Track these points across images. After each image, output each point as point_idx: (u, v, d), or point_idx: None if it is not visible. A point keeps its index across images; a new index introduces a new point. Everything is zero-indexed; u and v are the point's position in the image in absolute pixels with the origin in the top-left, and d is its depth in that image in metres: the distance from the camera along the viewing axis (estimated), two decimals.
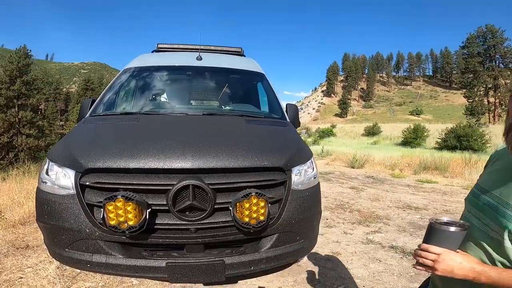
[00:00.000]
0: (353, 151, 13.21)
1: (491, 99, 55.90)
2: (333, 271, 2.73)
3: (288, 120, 2.90)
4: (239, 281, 2.39)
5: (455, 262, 0.84)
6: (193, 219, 1.71)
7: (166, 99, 3.36)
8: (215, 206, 1.71)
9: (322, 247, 3.28)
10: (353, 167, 10.53)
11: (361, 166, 10.57)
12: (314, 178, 2.11)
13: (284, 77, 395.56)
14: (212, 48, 4.05)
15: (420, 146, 26.86)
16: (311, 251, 3.04)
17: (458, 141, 23.18)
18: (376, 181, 7.98)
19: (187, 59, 3.48)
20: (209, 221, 1.73)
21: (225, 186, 1.75)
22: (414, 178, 8.52)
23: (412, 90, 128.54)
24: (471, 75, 58.14)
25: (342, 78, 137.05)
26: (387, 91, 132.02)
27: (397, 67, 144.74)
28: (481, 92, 56.80)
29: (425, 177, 8.52)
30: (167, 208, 1.69)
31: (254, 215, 1.67)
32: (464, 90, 60.41)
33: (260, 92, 3.53)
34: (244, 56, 4.15)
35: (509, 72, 56.37)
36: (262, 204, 1.66)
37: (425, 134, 29.34)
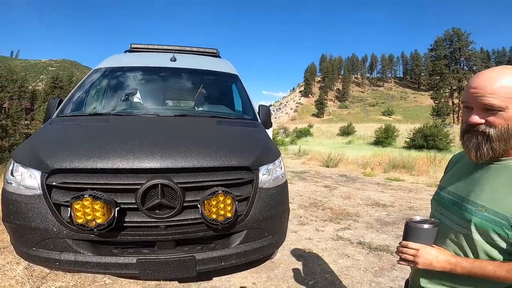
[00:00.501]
0: (329, 150, 13.59)
1: (456, 101, 59.11)
2: (305, 267, 2.84)
3: (259, 121, 2.97)
4: (213, 278, 2.46)
5: (432, 255, 0.92)
6: (163, 216, 1.77)
7: (138, 100, 3.32)
8: (184, 204, 1.79)
9: (295, 244, 3.40)
10: (327, 166, 10.86)
11: (335, 165, 10.91)
12: (282, 176, 2.22)
13: (263, 77, 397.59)
14: (187, 49, 4.03)
15: (390, 145, 28.08)
16: (284, 248, 3.20)
17: (425, 140, 24.50)
18: (348, 179, 8.30)
19: (161, 60, 3.45)
20: (179, 219, 1.80)
21: (193, 185, 1.82)
22: (384, 177, 8.95)
23: (384, 91, 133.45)
24: (438, 77, 60.98)
25: (319, 78, 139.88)
26: (361, 92, 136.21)
27: (371, 69, 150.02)
28: (447, 94, 59.90)
29: (393, 175, 8.97)
30: (136, 206, 1.74)
31: (222, 212, 1.76)
32: (431, 92, 63.37)
33: (233, 94, 3.56)
34: (220, 57, 4.14)
35: (472, 74, 59.68)
36: (229, 201, 1.76)
37: (395, 134, 30.70)
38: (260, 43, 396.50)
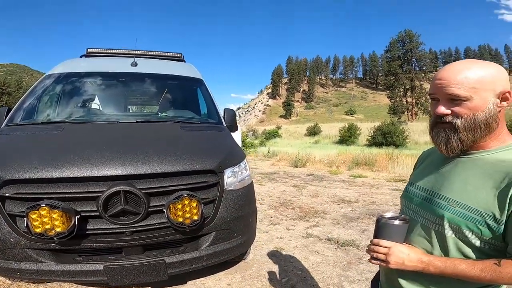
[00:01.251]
0: (297, 151, 13.94)
1: (409, 99, 63.05)
2: (278, 265, 2.93)
3: (224, 124, 3.01)
4: (188, 282, 2.48)
5: (404, 254, 0.88)
6: (127, 222, 1.79)
7: (98, 106, 3.21)
8: (149, 209, 1.82)
9: (267, 243, 3.50)
10: (296, 166, 11.15)
11: (303, 165, 11.24)
12: (247, 178, 2.30)
13: (232, 80, 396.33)
14: (150, 53, 3.91)
15: (354, 143, 29.47)
16: (257, 248, 3.29)
17: (384, 137, 26.03)
18: (316, 178, 8.61)
19: (120, 65, 3.35)
20: (145, 224, 1.83)
21: (158, 190, 1.85)
22: (348, 174, 9.40)
23: (347, 91, 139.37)
24: (393, 77, 64.38)
25: (286, 80, 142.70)
26: (325, 92, 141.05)
27: (334, 70, 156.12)
28: (401, 93, 63.72)
29: (357, 172, 9.45)
30: (98, 214, 1.75)
31: (188, 215, 1.81)
32: (388, 91, 67.04)
33: (198, 98, 3.55)
34: (184, 61, 4.09)
35: (423, 74, 63.71)
36: (194, 204, 1.81)
37: (358, 132, 32.24)
38: (228, 46, 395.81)
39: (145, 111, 4.65)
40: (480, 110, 0.84)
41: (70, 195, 1.75)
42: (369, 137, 28.25)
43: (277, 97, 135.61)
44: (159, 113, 3.38)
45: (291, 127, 59.97)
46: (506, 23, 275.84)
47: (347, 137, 31.40)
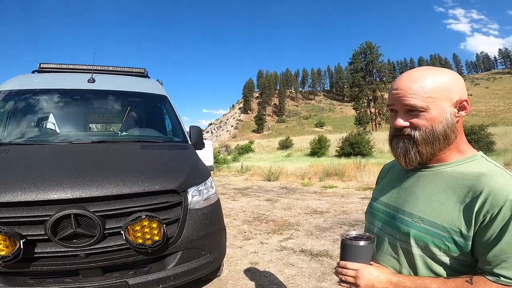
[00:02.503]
0: (269, 165, 14.09)
1: (372, 110, 66.32)
2: (253, 280, 2.94)
3: (190, 142, 2.99)
4: None
5: (373, 276, 0.84)
6: (81, 245, 1.76)
7: (52, 126, 3.06)
8: (106, 232, 1.80)
9: (241, 259, 3.50)
10: (269, 180, 11.26)
11: (276, 178, 11.38)
12: (213, 196, 2.32)
13: (203, 95, 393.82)
14: (110, 68, 3.76)
15: (324, 155, 30.35)
16: (231, 264, 3.28)
17: (352, 148, 27.13)
18: (288, 191, 8.74)
19: (76, 82, 3.21)
20: (102, 246, 1.81)
21: (114, 212, 1.84)
22: (320, 185, 9.66)
23: (315, 104, 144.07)
24: (357, 89, 67.41)
25: (257, 94, 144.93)
26: (296, 105, 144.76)
27: (303, 83, 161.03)
28: (365, 104, 66.89)
29: (328, 183, 9.75)
30: (47, 237, 1.72)
31: (148, 236, 1.80)
32: (353, 103, 70.13)
33: (161, 116, 3.46)
34: (149, 77, 3.99)
35: (383, 85, 66.93)
36: (155, 225, 1.80)
37: (327, 144, 33.29)
38: (198, 61, 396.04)
39: (110, 129, 4.50)
40: (438, 121, 0.81)
41: (14, 219, 1.71)
42: (338, 148, 29.29)
43: (249, 111, 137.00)
44: (118, 132, 3.30)
45: (264, 141, 60.54)
46: (454, 32, 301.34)
47: (318, 149, 32.30)
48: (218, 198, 2.44)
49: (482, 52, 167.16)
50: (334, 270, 0.93)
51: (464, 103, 0.83)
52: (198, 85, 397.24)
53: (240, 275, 3.07)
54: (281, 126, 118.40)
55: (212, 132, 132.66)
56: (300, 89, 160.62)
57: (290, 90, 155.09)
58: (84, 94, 3.13)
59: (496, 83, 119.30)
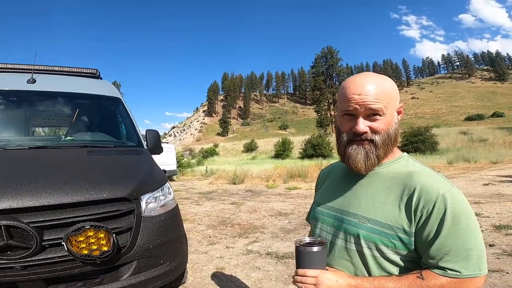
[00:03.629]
0: (234, 168, 14.09)
1: (333, 112, 69.37)
2: (220, 286, 2.91)
3: (146, 147, 2.91)
4: None
5: (332, 281, 0.84)
6: (16, 257, 1.68)
7: None
8: (44, 243, 1.72)
9: (207, 264, 3.45)
10: (234, 183, 11.25)
11: (241, 181, 11.40)
12: (171, 202, 2.28)
13: (166, 97, 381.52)
14: (56, 69, 3.49)
15: (288, 157, 31.11)
16: (196, 271, 3.23)
17: (314, 150, 28.18)
18: (254, 194, 8.81)
19: (13, 82, 2.99)
20: (41, 258, 1.73)
21: (53, 223, 1.75)
22: (284, 187, 9.87)
23: (279, 107, 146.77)
24: (318, 92, 70.31)
25: (222, 97, 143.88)
26: (260, 108, 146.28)
27: (268, 86, 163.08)
28: (326, 107, 69.85)
29: (292, 185, 9.99)
30: None
31: (95, 247, 1.73)
32: (315, 106, 72.93)
33: (114, 119, 3.31)
34: (101, 78, 3.79)
35: None
36: (102, 235, 1.74)
37: (291, 146, 34.18)
38: (162, 62, 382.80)
39: (44, 135, 4.17)
40: (391, 125, 0.86)
41: None
42: (301, 150, 30.20)
43: (213, 114, 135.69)
44: (62, 137, 3.10)
45: (228, 144, 60.38)
46: (405, 38, 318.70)
47: (282, 151, 33.00)
48: (177, 204, 2.39)
49: (427, 57, 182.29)
50: (293, 279, 0.90)
51: (401, 108, 0.91)
52: (161, 87, 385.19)
53: (206, 281, 3.03)
54: (246, 129, 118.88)
55: (175, 136, 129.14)
56: (265, 92, 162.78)
57: (255, 93, 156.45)
58: (21, 95, 2.90)
59: (439, 87, 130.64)
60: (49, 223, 1.73)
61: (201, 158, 34.72)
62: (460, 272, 0.76)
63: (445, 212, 0.77)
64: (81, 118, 3.17)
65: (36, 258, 1.69)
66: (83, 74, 3.66)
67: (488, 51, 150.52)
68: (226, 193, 9.17)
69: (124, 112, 3.20)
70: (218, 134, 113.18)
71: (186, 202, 7.89)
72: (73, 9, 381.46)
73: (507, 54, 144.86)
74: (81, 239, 1.70)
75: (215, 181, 12.47)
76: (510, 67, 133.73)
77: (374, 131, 0.85)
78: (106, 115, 3.34)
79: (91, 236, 1.71)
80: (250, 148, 46.11)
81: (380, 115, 0.84)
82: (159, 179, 2.31)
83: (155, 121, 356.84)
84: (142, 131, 3.19)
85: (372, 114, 0.84)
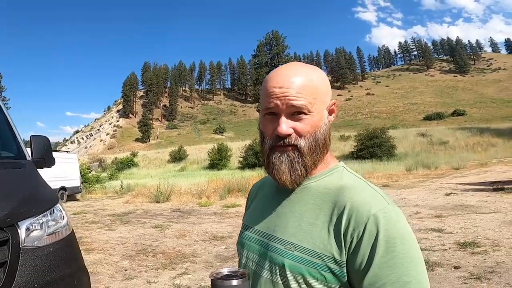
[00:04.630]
0: (158, 182, 13.67)
1: None
2: None
3: (29, 158, 2.81)
4: None
5: None
6: None
7: None
8: None
9: None
10: (158, 202, 10.93)
11: (166, 199, 11.14)
12: (64, 228, 2.22)
13: (68, 94, 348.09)
14: None
15: (225, 167, 31.41)
16: None
17: (256, 158, 28.89)
18: (182, 214, 8.71)
19: None
20: None
21: None
22: (220, 204, 9.96)
23: (214, 105, 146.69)
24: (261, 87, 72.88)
25: (142, 93, 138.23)
26: (191, 107, 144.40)
27: (200, 79, 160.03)
28: None
29: (230, 201, 10.13)
30: None
31: None
32: (257, 104, 74.60)
33: None
34: None
35: None
36: None
37: (229, 153, 34.54)
38: (60, 53, 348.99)
39: None
40: (319, 126, 0.82)
41: None
42: (241, 158, 30.70)
43: (130, 115, 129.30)
44: None
45: (151, 152, 58.24)
46: (361, 21, 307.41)
47: (218, 160, 33.12)
48: (72, 231, 2.32)
49: (383, 46, 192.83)
50: None
51: (334, 106, 0.88)
52: (60, 81, 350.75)
53: None
54: (172, 133, 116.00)
55: (79, 143, 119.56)
56: (196, 87, 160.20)
57: (184, 88, 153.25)
58: None
59: (396, 81, 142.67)
60: None
61: (114, 170, 33.10)
62: None
63: (377, 236, 0.73)
64: None
65: None
66: None
67: (448, 38, 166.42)
68: (147, 214, 8.90)
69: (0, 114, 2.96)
70: (137, 139, 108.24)
71: (93, 226, 7.55)
72: None
73: (468, 41, 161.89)
74: None
75: (133, 199, 12.00)
76: (472, 57, 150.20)
77: (298, 134, 0.81)
78: None
79: None
80: (178, 157, 45.13)
81: (305, 114, 0.80)
82: (46, 199, 2.23)
83: (52, 124, 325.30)
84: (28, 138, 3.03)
85: (296, 112, 0.80)
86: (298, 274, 0.80)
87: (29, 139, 2.94)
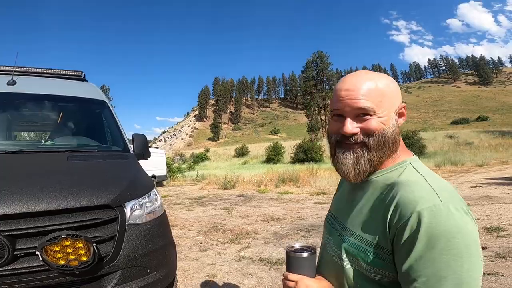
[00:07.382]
0: (226, 173, 13.98)
1: (323, 117, 70.08)
2: None
3: (132, 151, 2.86)
4: None
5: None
6: None
7: None
8: (18, 252, 1.65)
9: (198, 272, 3.35)
10: (226, 188, 11.14)
11: (232, 186, 11.30)
12: (159, 209, 2.23)
13: (157, 102, 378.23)
14: (38, 70, 3.40)
15: (279, 161, 31.15)
16: (187, 278, 3.13)
17: (305, 154, 28.30)
18: (245, 199, 8.74)
19: None
20: (14, 267, 1.65)
21: (26, 232, 1.68)
22: (276, 191, 9.82)
23: (270, 111, 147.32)
24: (309, 97, 70.75)
25: (213, 102, 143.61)
26: (251, 113, 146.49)
27: (259, 91, 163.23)
28: (316, 111, 70.47)
29: (284, 189, 9.96)
30: None
31: (73, 257, 1.66)
32: (305, 110, 73.41)
33: (99, 123, 3.23)
34: (86, 81, 3.70)
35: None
36: (80, 245, 1.67)
37: (282, 151, 34.26)
38: (151, 66, 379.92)
39: (22, 139, 4.05)
40: (388, 125, 0.77)
41: None
42: (292, 155, 30.29)
43: (204, 119, 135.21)
44: (43, 141, 3.00)
45: (220, 149, 60.15)
46: (395, 42, 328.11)
47: (273, 156, 33.02)
48: (164, 211, 2.34)
49: (414, 62, 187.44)
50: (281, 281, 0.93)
51: (403, 109, 0.82)
52: (152, 92, 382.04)
53: None
54: (237, 133, 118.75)
55: (165, 141, 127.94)
56: (256, 96, 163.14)
57: (246, 98, 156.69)
58: (3, 97, 2.81)
59: (426, 91, 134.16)
60: (22, 232, 1.65)
61: (192, 163, 34.52)
62: None
63: (418, 232, 0.66)
64: (64, 121, 3.09)
65: (9, 268, 1.62)
66: (67, 76, 3.56)
67: (472, 55, 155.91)
68: (217, 198, 9.07)
69: (110, 116, 3.13)
70: (209, 139, 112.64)
71: (176, 207, 7.78)
72: (61, 9, 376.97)
73: (491, 58, 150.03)
74: (57, 248, 1.62)
75: (206, 186, 12.36)
76: (494, 71, 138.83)
77: (366, 132, 0.77)
78: (91, 118, 3.26)
79: (69, 245, 1.63)
80: (241, 153, 46.02)
81: (371, 115, 0.76)
82: (145, 185, 2.25)
83: (146, 126, 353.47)
84: (130, 136, 3.13)
85: (362, 114, 0.76)
86: (353, 257, 0.79)
87: (131, 137, 3.03)
